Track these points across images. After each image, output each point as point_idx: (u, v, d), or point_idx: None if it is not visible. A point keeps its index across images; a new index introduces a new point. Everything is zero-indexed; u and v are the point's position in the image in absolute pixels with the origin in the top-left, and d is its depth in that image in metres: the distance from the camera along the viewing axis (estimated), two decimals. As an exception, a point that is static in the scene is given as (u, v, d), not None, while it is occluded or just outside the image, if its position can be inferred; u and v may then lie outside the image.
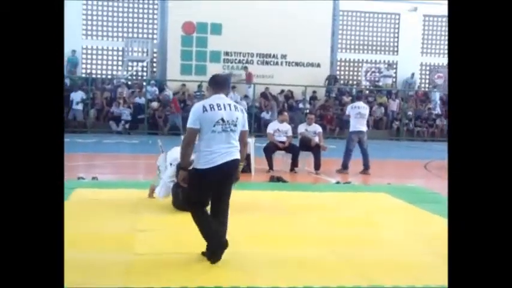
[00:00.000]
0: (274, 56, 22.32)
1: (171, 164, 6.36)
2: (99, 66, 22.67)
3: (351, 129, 10.91)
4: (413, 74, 23.75)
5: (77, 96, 19.07)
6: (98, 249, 4.80)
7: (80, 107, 19.11)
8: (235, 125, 4.43)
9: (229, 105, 4.47)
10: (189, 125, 4.39)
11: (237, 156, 4.48)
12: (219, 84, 4.60)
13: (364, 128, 10.93)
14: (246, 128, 4.61)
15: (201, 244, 4.99)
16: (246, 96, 20.91)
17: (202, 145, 4.39)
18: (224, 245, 4.42)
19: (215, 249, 4.44)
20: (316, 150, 10.63)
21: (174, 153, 6.43)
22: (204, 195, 4.52)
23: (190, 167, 4.48)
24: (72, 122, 18.74)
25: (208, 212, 4.63)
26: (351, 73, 24.75)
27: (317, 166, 10.57)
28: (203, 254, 4.57)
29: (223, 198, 4.58)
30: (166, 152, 6.82)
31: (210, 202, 4.63)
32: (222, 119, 4.36)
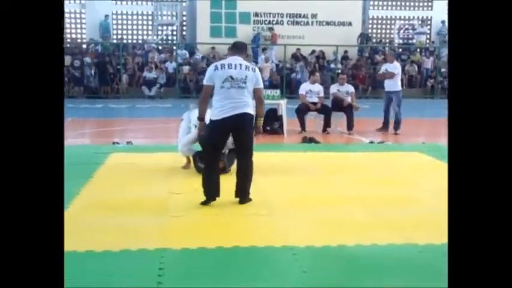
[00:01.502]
0: (304, 16, 21.95)
1: (195, 126, 6.36)
2: (129, 32, 22.73)
3: (399, 88, 10.76)
4: (443, 22, 22.96)
5: (86, 61, 18.92)
6: (134, 212, 4.91)
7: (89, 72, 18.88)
8: (245, 82, 4.93)
9: (241, 65, 4.98)
10: (204, 82, 5.06)
11: (247, 110, 4.96)
12: (236, 48, 5.21)
13: None
14: (260, 85, 5.08)
15: (235, 206, 5.06)
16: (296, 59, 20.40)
17: (214, 100, 4.99)
18: (212, 197, 5.05)
19: (206, 199, 5.06)
20: (348, 110, 10.55)
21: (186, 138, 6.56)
22: (215, 140, 5.06)
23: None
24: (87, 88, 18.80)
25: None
26: (384, 31, 24.23)
27: (350, 126, 10.50)
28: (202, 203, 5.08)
29: (241, 147, 5.11)
30: (190, 111, 6.73)
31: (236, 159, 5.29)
32: (231, 77, 4.90)
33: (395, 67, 10.80)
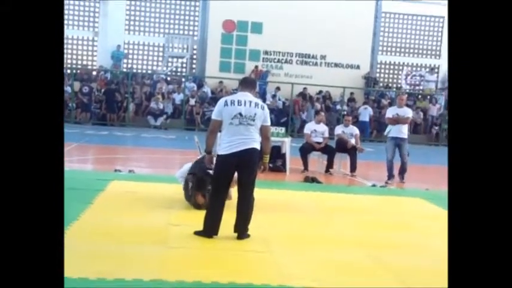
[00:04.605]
0: (313, 56, 22.22)
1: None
2: (139, 61, 22.99)
3: (406, 135, 9.93)
4: None
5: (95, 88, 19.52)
6: (132, 241, 4.85)
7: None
8: (253, 120, 4.96)
9: (250, 102, 5.00)
10: (212, 116, 5.09)
11: (254, 145, 4.98)
12: (247, 83, 5.26)
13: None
14: (267, 123, 5.11)
15: (233, 241, 5.01)
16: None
17: (223, 135, 5.05)
18: (211, 232, 5.02)
19: (204, 233, 5.03)
20: (352, 152, 10.54)
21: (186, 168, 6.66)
22: (223, 176, 5.05)
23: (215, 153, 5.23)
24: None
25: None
26: (391, 76, 24.44)
27: (353, 168, 10.48)
28: (195, 233, 5.08)
29: (244, 182, 5.06)
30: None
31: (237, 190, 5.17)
32: (240, 114, 4.92)
33: (406, 111, 10.01)
